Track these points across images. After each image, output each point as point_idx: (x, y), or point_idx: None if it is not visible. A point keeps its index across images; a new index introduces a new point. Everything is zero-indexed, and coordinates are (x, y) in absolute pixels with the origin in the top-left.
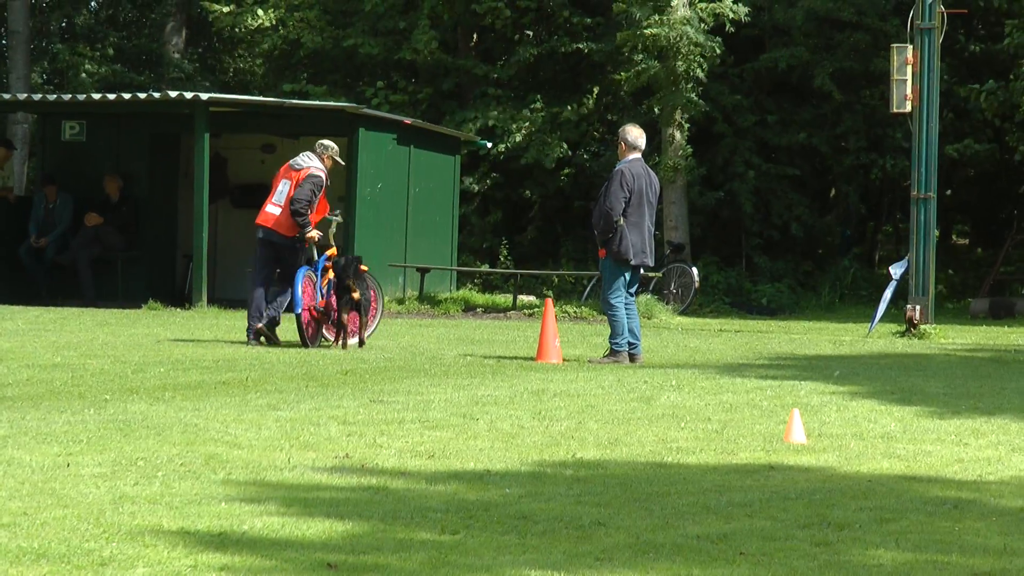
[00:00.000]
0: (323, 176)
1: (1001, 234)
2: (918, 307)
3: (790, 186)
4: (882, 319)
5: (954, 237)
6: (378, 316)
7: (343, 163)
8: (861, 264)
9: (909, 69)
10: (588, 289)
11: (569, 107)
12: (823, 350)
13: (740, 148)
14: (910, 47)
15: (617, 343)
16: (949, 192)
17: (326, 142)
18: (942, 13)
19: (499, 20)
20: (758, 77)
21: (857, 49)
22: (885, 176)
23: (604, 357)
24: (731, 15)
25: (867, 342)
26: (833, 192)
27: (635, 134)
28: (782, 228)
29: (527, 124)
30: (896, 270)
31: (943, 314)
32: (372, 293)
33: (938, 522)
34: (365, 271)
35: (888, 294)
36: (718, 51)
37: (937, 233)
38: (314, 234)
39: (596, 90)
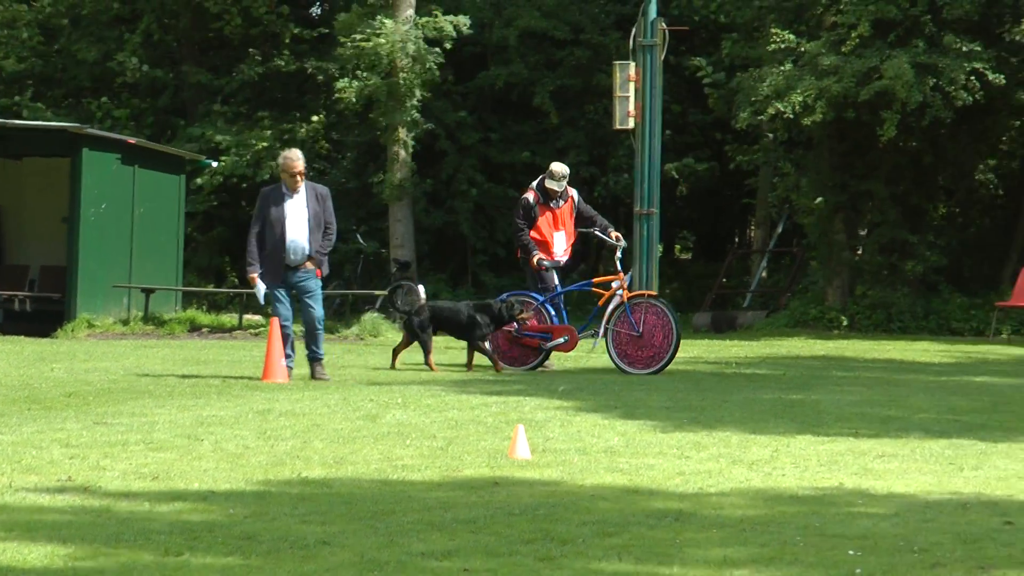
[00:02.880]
0: None
1: (723, 248)
2: None
3: (513, 204)
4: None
5: (677, 251)
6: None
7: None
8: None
9: (632, 86)
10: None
11: (297, 124)
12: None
13: (463, 166)
14: (632, 64)
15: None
16: (672, 207)
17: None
18: (664, 30)
19: (228, 26)
20: (481, 95)
21: (579, 65)
22: (608, 192)
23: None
24: (451, 31)
25: (591, 357)
26: None
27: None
28: (506, 245)
29: (254, 141)
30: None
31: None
32: None
33: (660, 534)
34: None
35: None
36: (435, 67)
37: (660, 248)
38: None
39: (322, 108)
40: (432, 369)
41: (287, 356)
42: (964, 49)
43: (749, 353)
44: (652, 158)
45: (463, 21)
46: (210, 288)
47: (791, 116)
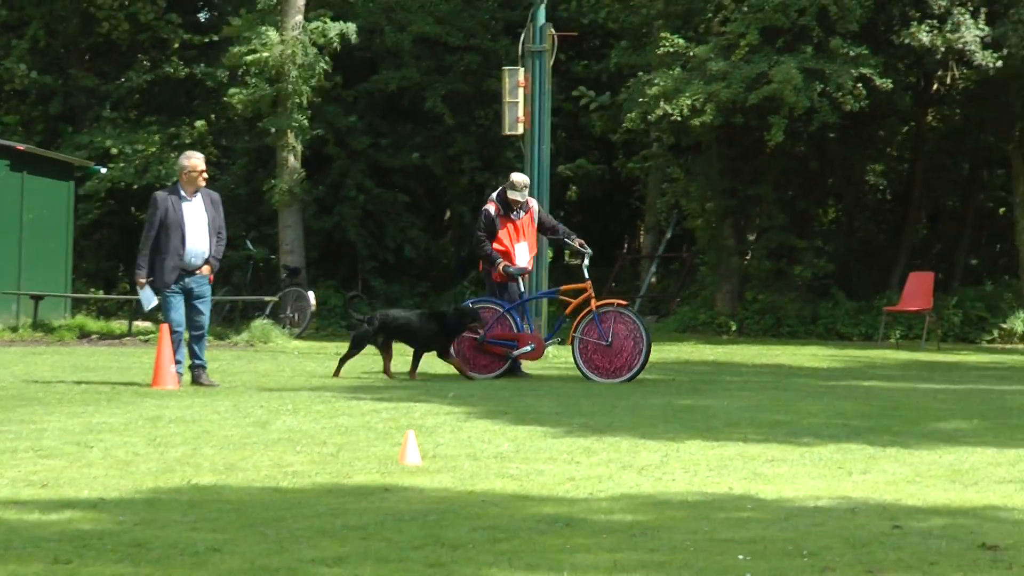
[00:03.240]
0: None
1: (613, 254)
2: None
3: (404, 208)
4: None
5: (567, 257)
6: None
7: None
8: (479, 287)
9: (521, 91)
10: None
11: (185, 129)
12: (438, 370)
13: (352, 171)
14: (521, 70)
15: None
16: (563, 212)
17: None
18: (553, 36)
19: (116, 31)
20: (372, 99)
21: (469, 71)
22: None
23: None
24: (337, 38)
25: (550, 363)
26: (448, 214)
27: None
28: (396, 251)
29: (143, 147)
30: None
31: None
32: None
33: (550, 540)
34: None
35: None
36: (320, 71)
37: (551, 254)
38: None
39: (212, 114)
40: (389, 377)
41: (177, 362)
42: (851, 54)
43: None
44: (541, 163)
45: (352, 29)
46: (99, 295)
47: (679, 119)
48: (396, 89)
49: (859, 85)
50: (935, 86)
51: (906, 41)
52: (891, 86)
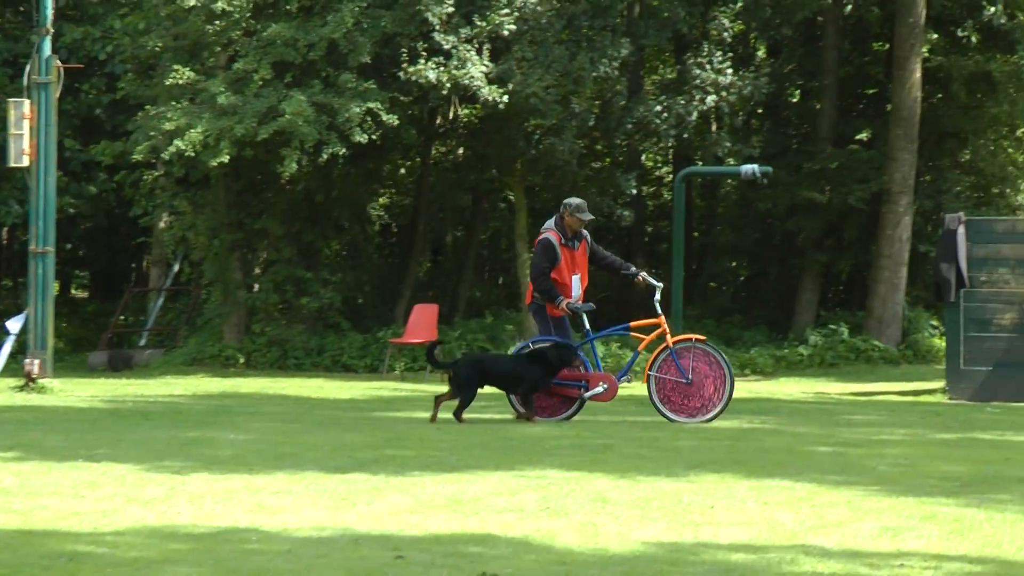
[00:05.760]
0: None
1: (120, 286)
2: (37, 361)
3: None
4: (0, 374)
5: (74, 290)
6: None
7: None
8: None
9: (26, 123)
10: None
11: None
12: None
13: None
14: (27, 101)
15: None
16: (69, 246)
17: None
18: (59, 68)
19: None
20: None
21: None
22: (12, 230)
23: None
24: None
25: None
26: None
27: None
28: None
29: None
30: (14, 324)
31: (63, 368)
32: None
33: None
34: None
35: (6, 348)
36: None
37: (56, 286)
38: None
39: None
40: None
41: None
42: (360, 89)
43: (146, 391)
44: (47, 196)
45: None
46: None
47: (193, 154)
48: None
49: (368, 119)
50: (439, 120)
51: (413, 77)
52: (397, 122)
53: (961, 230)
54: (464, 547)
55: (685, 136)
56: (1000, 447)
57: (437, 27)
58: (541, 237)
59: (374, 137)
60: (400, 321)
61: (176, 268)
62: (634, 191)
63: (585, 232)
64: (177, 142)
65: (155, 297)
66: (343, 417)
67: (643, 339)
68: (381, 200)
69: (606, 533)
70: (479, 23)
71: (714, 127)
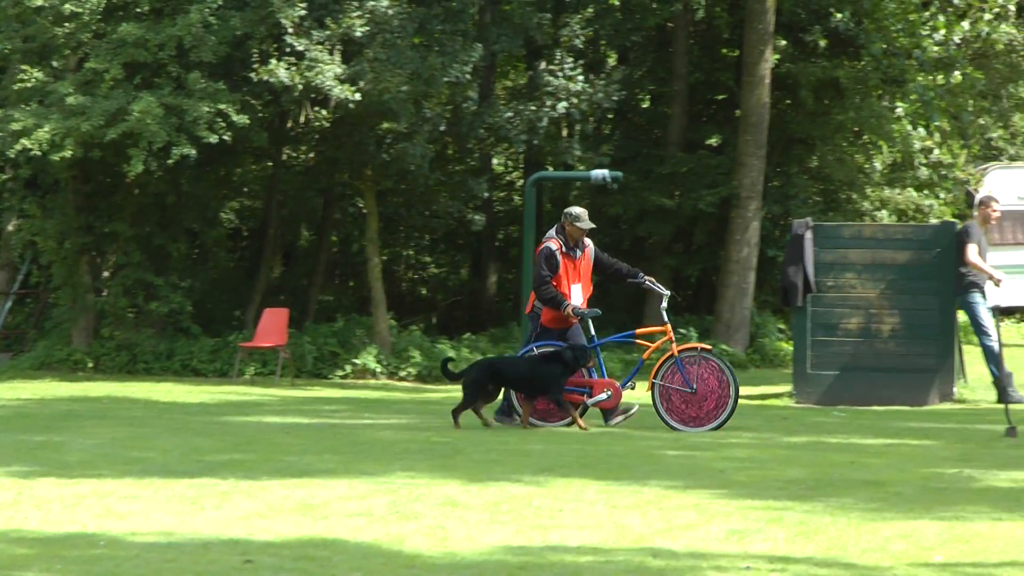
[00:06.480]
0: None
1: None
2: None
3: None
4: None
5: None
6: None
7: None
8: None
9: None
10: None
11: None
12: None
13: None
14: None
15: None
16: None
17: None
18: None
19: None
20: None
21: None
22: None
23: None
24: None
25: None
26: None
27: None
28: None
29: None
30: None
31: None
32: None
33: None
34: None
35: None
36: None
37: None
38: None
39: None
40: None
41: None
42: (210, 90)
43: None
44: None
45: None
46: None
47: (40, 154)
48: None
49: (218, 119)
50: (290, 124)
51: (265, 77)
52: (248, 122)
53: (809, 235)
54: (313, 551)
55: (535, 142)
56: (846, 450)
57: (289, 30)
58: (542, 246)
59: (225, 138)
60: (250, 325)
61: (23, 272)
62: (485, 195)
63: (588, 241)
64: (23, 140)
65: (3, 301)
66: (192, 421)
67: (648, 346)
68: (232, 204)
69: (455, 537)
70: (331, 26)
71: (565, 132)
